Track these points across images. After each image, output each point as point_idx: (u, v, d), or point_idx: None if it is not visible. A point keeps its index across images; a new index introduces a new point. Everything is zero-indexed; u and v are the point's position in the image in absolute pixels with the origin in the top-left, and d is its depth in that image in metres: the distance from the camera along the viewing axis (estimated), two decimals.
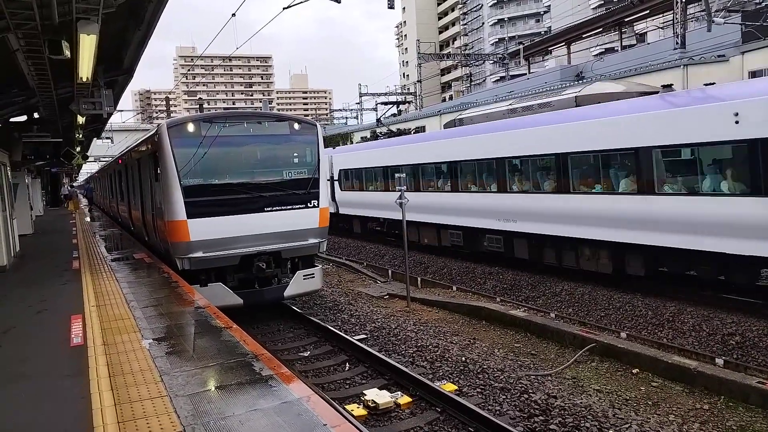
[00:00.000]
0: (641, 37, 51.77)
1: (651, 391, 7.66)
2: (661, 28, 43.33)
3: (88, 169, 61.85)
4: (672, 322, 9.75)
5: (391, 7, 49.44)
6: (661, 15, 39.93)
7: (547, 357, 9.20)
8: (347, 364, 8.83)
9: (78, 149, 24.44)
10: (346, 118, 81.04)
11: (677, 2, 27.48)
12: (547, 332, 10.04)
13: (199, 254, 10.01)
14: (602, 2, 63.13)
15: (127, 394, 4.48)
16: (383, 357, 8.59)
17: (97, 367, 5.12)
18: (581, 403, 7.21)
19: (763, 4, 25.89)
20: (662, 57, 27.79)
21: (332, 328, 10.21)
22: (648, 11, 40.01)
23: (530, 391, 7.56)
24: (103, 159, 44.54)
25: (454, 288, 14.07)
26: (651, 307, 10.41)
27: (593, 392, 7.64)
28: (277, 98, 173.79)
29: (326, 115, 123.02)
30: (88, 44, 8.10)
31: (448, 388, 7.55)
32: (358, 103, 73.95)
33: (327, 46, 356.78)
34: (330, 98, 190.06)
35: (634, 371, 8.29)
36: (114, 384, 4.70)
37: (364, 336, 10.22)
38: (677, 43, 27.50)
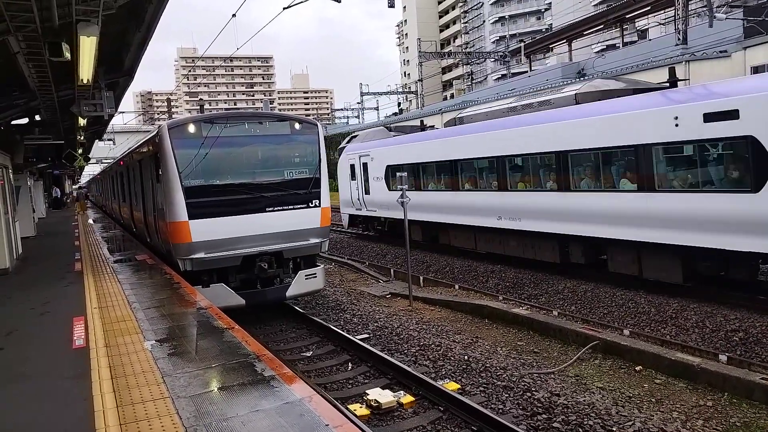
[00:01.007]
0: (643, 34, 51.67)
1: (654, 388, 7.64)
2: (663, 24, 43.25)
3: (90, 170, 62.03)
4: (675, 319, 9.72)
5: (391, 5, 49.49)
6: (662, 11, 39.86)
7: (550, 355, 9.19)
8: (350, 364, 8.83)
9: (80, 151, 24.54)
10: (348, 117, 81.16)
11: None
12: (550, 330, 10.02)
13: (201, 255, 10.02)
14: None
15: (129, 395, 4.49)
16: (386, 356, 8.59)
17: (99, 369, 5.13)
18: (584, 400, 7.19)
19: None
20: (664, 53, 27.72)
21: (334, 328, 10.21)
22: (649, 7, 39.97)
23: (533, 389, 7.56)
24: (105, 161, 44.67)
25: (457, 287, 14.06)
26: (654, 303, 10.38)
27: (596, 390, 7.62)
28: (279, 98, 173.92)
29: (327, 114, 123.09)
30: (88, 46, 8.12)
31: (450, 386, 7.54)
32: (359, 103, 74.01)
33: (327, 45, 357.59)
34: (331, 98, 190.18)
35: (637, 368, 8.27)
36: (116, 386, 4.71)
37: (366, 335, 10.22)
38: (679, 39, 27.47)
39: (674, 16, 29.57)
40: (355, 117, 79.97)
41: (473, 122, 15.65)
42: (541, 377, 8.07)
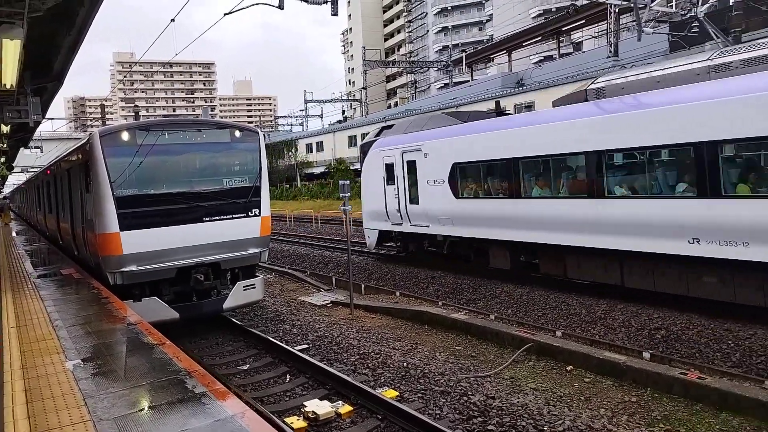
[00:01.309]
0: (578, 46, 54.11)
1: (584, 387, 7.96)
2: (596, 37, 45.48)
3: (15, 180, 58.69)
4: (604, 319, 10.17)
5: (335, 14, 49.43)
6: (596, 24, 41.96)
7: (487, 358, 9.41)
8: (288, 376, 8.72)
9: (2, 159, 23.16)
10: (291, 125, 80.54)
11: (610, 13, 28.95)
12: (487, 334, 10.26)
13: (133, 268, 9.65)
14: (542, 12, 65.51)
15: (46, 421, 4.26)
16: (324, 366, 8.54)
17: (13, 394, 4.84)
18: (518, 402, 7.41)
19: (688, 15, 27.57)
20: (597, 65, 29.13)
21: (273, 340, 10.07)
22: (584, 21, 41.97)
23: (470, 393, 7.71)
24: (32, 169, 42.39)
25: (398, 293, 14.16)
26: (585, 305, 10.82)
27: (530, 391, 7.86)
28: (221, 105, 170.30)
29: (271, 122, 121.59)
30: (11, 50, 7.75)
31: (389, 394, 7.59)
32: (303, 110, 73.58)
33: (271, 51, 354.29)
34: (275, 105, 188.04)
35: (569, 368, 8.60)
36: (32, 411, 4.46)
37: (305, 346, 10.13)
38: (610, 51, 28.94)
39: (606, 29, 31.15)
40: (299, 124, 79.45)
41: (624, 95, 10.31)
42: (477, 381, 8.25)
